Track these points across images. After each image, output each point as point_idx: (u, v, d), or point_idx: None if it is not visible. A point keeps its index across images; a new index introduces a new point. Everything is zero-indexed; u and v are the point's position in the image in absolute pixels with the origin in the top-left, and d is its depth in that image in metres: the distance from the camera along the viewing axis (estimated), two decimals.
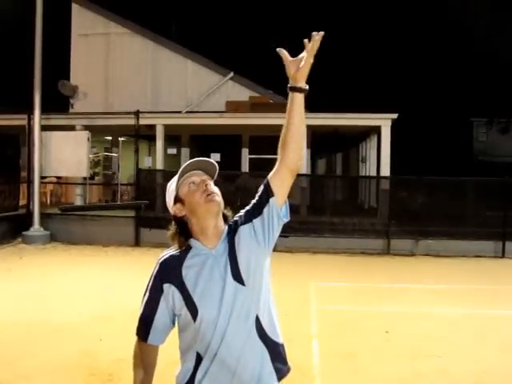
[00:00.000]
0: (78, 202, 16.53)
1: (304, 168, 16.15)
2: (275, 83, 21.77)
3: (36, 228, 14.04)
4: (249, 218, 2.07)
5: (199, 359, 1.98)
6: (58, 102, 18.78)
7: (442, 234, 13.59)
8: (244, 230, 2.05)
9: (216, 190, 2.03)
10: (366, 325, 7.15)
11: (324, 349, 5.94)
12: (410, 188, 14.82)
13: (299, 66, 1.98)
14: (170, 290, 2.00)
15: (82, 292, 8.61)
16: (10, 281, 9.34)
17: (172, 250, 2.09)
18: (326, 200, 15.27)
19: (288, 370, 2.09)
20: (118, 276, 10.06)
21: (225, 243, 2.03)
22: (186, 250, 2.05)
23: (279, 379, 2.04)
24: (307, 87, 1.97)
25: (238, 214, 2.13)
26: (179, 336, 2.08)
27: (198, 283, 1.97)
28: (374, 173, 17.56)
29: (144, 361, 2.07)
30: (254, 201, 2.11)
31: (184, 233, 2.06)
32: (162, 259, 2.07)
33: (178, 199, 2.05)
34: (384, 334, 6.69)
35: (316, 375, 5.07)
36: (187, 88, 18.66)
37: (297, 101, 1.98)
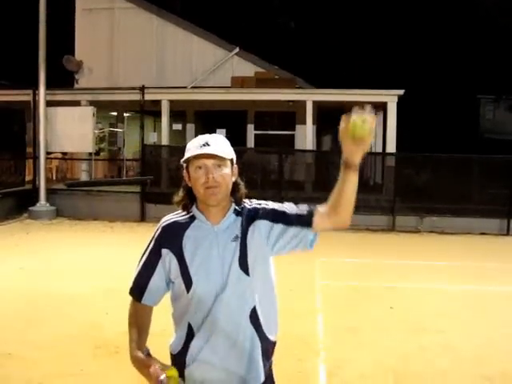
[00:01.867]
0: (84, 177, 16.57)
1: (309, 144, 16.12)
2: (281, 58, 21.66)
3: (42, 203, 14.11)
4: (271, 217, 2.05)
5: (191, 330, 2.02)
6: (62, 77, 18.70)
7: (447, 211, 13.60)
8: (262, 225, 2.04)
9: (221, 178, 1.97)
10: (370, 300, 7.21)
11: (328, 323, 6.00)
12: (416, 165, 14.79)
13: (357, 147, 1.96)
14: (167, 256, 2.02)
15: (88, 266, 8.70)
16: (18, 256, 9.42)
17: (176, 216, 2.10)
18: (332, 176, 15.21)
19: (270, 364, 2.12)
20: (124, 251, 10.11)
21: (229, 222, 2.03)
22: (189, 218, 2.06)
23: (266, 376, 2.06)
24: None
25: (261, 202, 2.11)
26: (172, 304, 2.10)
27: (196, 256, 1.99)
28: (379, 150, 17.51)
29: (138, 320, 2.08)
30: (287, 206, 2.09)
31: (190, 200, 2.07)
32: (165, 224, 2.09)
33: (187, 169, 2.04)
34: (388, 309, 6.74)
35: (321, 349, 5.12)
36: (192, 63, 18.53)
37: (353, 179, 1.97)
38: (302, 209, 2.08)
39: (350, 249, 11.08)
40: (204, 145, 1.97)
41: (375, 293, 7.61)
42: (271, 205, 2.10)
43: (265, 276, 2.08)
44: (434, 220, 13.49)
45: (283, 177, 14.39)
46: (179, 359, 2.04)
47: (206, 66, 18.39)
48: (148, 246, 2.10)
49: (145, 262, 2.09)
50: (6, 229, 12.32)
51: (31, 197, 14.26)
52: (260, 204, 2.11)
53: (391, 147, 15.71)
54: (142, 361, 1.94)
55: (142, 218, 14.11)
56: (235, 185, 2.06)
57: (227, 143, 2.05)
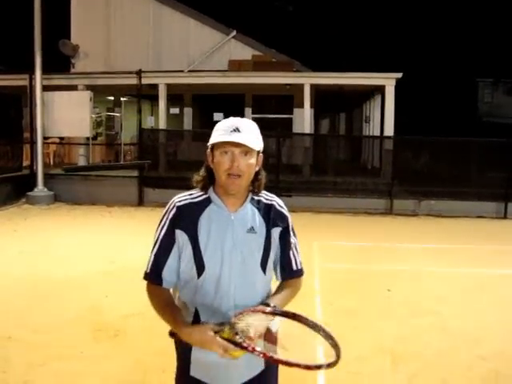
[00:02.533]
0: (81, 162, 16.56)
1: (307, 127, 16.08)
2: (278, 42, 21.54)
3: (40, 188, 14.10)
4: (285, 240, 2.14)
5: (197, 316, 2.00)
6: (59, 62, 18.60)
7: (445, 195, 13.63)
8: (277, 232, 2.10)
9: (246, 167, 1.94)
10: (367, 283, 7.25)
11: (326, 305, 6.04)
12: (414, 148, 14.78)
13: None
14: (181, 238, 1.98)
15: (86, 251, 8.72)
16: (17, 241, 9.44)
17: (190, 197, 2.05)
18: (329, 160, 15.27)
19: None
20: (123, 235, 10.16)
21: (246, 211, 2.03)
22: (205, 200, 2.03)
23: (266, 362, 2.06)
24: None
25: (284, 208, 2.16)
26: (177, 288, 2.07)
27: (210, 241, 1.97)
28: (377, 133, 17.50)
29: (168, 301, 2.02)
30: (291, 234, 2.17)
31: (210, 181, 2.04)
32: (181, 204, 2.03)
33: (212, 150, 1.99)
34: (385, 291, 6.79)
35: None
36: (189, 47, 18.42)
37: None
38: (296, 262, 2.17)
39: (348, 232, 11.12)
40: (234, 130, 1.93)
41: (373, 275, 7.65)
42: (291, 223, 2.17)
43: (270, 275, 2.13)
44: (431, 203, 13.52)
45: (281, 160, 14.38)
46: (184, 345, 1.99)
47: (203, 50, 18.29)
48: (162, 227, 2.04)
49: (160, 245, 2.03)
50: (3, 214, 12.32)
51: (29, 182, 14.25)
52: (283, 208, 2.15)
53: (389, 130, 15.69)
54: (209, 342, 1.82)
55: (140, 202, 14.12)
56: (257, 173, 2.03)
57: (257, 131, 2.01)
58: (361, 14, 28.33)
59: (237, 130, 1.93)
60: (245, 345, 1.74)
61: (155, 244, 2.04)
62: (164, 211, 2.05)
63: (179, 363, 2.11)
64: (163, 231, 2.02)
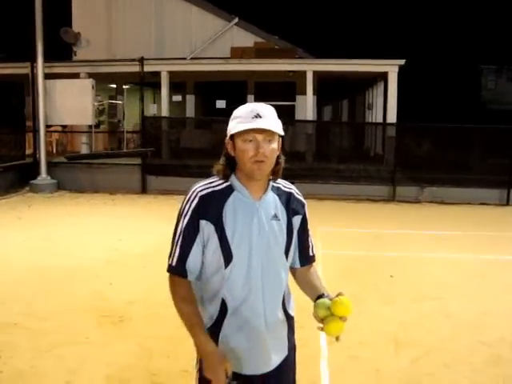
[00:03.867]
0: (84, 150, 16.57)
1: (310, 114, 16.06)
2: (280, 28, 21.43)
3: (43, 177, 14.15)
4: (303, 225, 2.15)
5: (224, 306, 1.97)
6: (60, 50, 18.53)
7: (448, 182, 13.62)
8: (297, 220, 2.10)
9: (269, 153, 1.93)
10: (370, 269, 7.28)
11: (329, 291, 6.05)
12: (417, 135, 14.76)
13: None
14: (206, 228, 1.94)
15: (90, 238, 8.76)
16: (21, 229, 9.48)
17: (211, 185, 2.00)
18: (332, 147, 15.27)
19: (294, 343, 2.19)
20: (126, 222, 10.19)
21: (269, 198, 2.02)
22: (226, 189, 1.99)
23: (289, 349, 2.13)
24: None
25: (300, 196, 2.16)
26: (202, 279, 2.02)
27: (237, 230, 1.94)
28: (380, 120, 17.44)
29: (191, 297, 1.98)
30: (306, 222, 2.17)
31: (231, 169, 2.00)
32: (204, 193, 1.97)
33: (232, 138, 1.95)
34: (388, 277, 6.82)
35: None
36: (191, 34, 18.35)
37: None
38: (312, 249, 2.25)
39: (350, 219, 11.15)
40: (256, 116, 1.89)
41: (376, 262, 7.68)
42: (305, 206, 2.16)
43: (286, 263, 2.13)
44: (434, 190, 13.52)
45: (284, 147, 14.33)
46: (210, 336, 1.94)
47: (205, 37, 18.23)
48: (184, 217, 1.97)
49: (184, 236, 1.96)
50: (7, 202, 12.37)
51: (32, 170, 14.29)
52: (301, 196, 2.15)
53: (392, 117, 15.65)
54: (217, 359, 1.84)
55: (143, 189, 14.15)
56: (277, 158, 2.01)
57: (276, 115, 1.97)
58: (364, 1, 28.15)
59: (258, 116, 1.89)
60: None
61: (178, 235, 1.98)
62: (185, 201, 1.99)
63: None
64: (185, 222, 1.96)
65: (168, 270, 1.99)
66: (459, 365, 4.34)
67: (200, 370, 1.98)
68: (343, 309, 1.93)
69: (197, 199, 1.95)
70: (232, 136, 1.93)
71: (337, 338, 1.97)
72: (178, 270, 1.97)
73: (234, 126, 1.91)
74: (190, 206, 1.96)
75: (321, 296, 2.07)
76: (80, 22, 18.69)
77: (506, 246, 8.95)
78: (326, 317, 1.96)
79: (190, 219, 1.95)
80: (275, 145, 1.95)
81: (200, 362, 1.98)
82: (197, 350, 1.91)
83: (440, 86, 29.57)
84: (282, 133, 1.95)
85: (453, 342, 4.82)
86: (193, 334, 1.90)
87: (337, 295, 1.99)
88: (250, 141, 1.89)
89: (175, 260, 1.97)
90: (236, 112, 1.96)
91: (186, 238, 1.95)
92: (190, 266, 1.96)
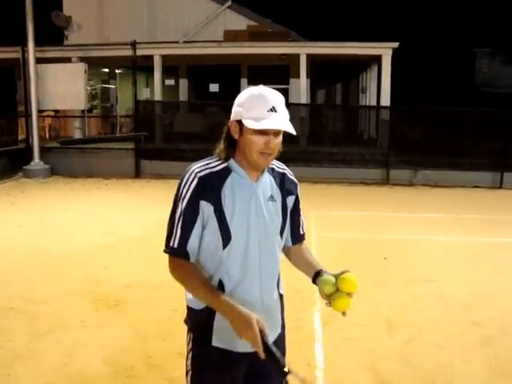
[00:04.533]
0: (77, 135, 16.50)
1: (303, 98, 16.02)
2: (274, 12, 21.28)
3: (36, 162, 14.10)
4: (296, 205, 2.17)
5: (221, 287, 1.96)
6: (51, 34, 18.34)
7: (441, 165, 13.68)
8: (291, 200, 2.12)
9: (276, 145, 1.93)
10: (364, 251, 7.33)
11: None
12: (410, 118, 14.77)
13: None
14: (206, 209, 1.93)
15: (85, 223, 8.77)
16: (15, 214, 9.47)
17: (208, 166, 1.98)
18: (326, 130, 15.27)
19: (284, 321, 2.20)
20: (120, 207, 10.20)
21: (265, 179, 2.03)
22: (224, 170, 1.98)
23: (281, 326, 2.16)
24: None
25: (293, 176, 2.16)
26: (199, 260, 2.00)
27: (235, 211, 1.94)
28: (374, 103, 17.43)
29: (199, 274, 1.96)
30: (299, 202, 2.19)
31: (232, 149, 1.98)
32: (202, 174, 1.95)
33: (240, 123, 1.91)
34: (382, 260, 6.87)
35: (316, 299, 5.24)
36: (184, 17, 18.20)
37: None
38: (303, 227, 2.25)
39: (344, 202, 11.20)
40: (271, 110, 1.86)
41: (369, 244, 7.74)
42: (297, 186, 2.17)
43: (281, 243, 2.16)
44: (427, 173, 13.57)
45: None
46: (205, 316, 1.97)
47: (198, 20, 18.09)
48: (182, 199, 1.95)
49: (184, 218, 1.94)
50: (0, 188, 12.34)
51: (25, 156, 14.23)
52: (293, 176, 2.16)
53: (385, 100, 15.65)
54: (250, 318, 1.78)
55: (137, 174, 14.13)
56: None
57: (284, 103, 1.97)
58: None
59: (274, 109, 1.87)
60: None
61: (178, 217, 1.95)
62: (183, 182, 1.96)
63: (197, 338, 2.05)
64: (185, 203, 1.94)
65: (169, 252, 1.97)
66: (451, 345, 4.40)
67: (192, 350, 2.01)
68: (351, 285, 2.00)
69: (196, 180, 1.93)
70: (240, 121, 1.90)
71: (343, 313, 2.02)
72: (179, 252, 1.95)
73: (247, 115, 1.88)
74: (189, 187, 1.94)
75: (319, 272, 2.10)
76: (71, 6, 18.52)
77: (498, 228, 9.03)
78: (333, 293, 2.01)
79: (189, 200, 1.93)
80: (281, 137, 1.95)
81: (193, 341, 2.01)
82: (225, 315, 1.85)
83: (434, 69, 29.53)
84: (295, 132, 1.90)
85: (445, 323, 4.88)
86: (215, 303, 1.87)
87: (342, 272, 2.04)
88: (261, 134, 1.88)
89: (176, 242, 1.95)
90: (246, 97, 1.92)
91: (187, 219, 1.94)
92: (191, 248, 1.95)
